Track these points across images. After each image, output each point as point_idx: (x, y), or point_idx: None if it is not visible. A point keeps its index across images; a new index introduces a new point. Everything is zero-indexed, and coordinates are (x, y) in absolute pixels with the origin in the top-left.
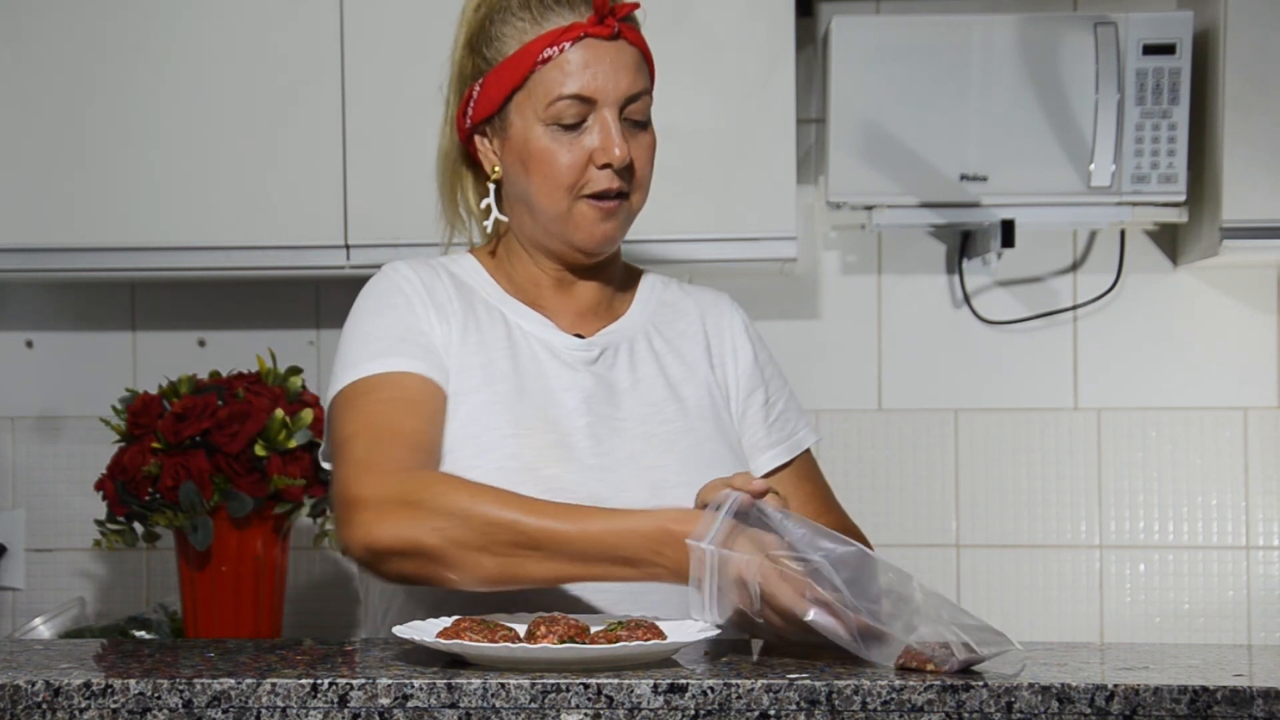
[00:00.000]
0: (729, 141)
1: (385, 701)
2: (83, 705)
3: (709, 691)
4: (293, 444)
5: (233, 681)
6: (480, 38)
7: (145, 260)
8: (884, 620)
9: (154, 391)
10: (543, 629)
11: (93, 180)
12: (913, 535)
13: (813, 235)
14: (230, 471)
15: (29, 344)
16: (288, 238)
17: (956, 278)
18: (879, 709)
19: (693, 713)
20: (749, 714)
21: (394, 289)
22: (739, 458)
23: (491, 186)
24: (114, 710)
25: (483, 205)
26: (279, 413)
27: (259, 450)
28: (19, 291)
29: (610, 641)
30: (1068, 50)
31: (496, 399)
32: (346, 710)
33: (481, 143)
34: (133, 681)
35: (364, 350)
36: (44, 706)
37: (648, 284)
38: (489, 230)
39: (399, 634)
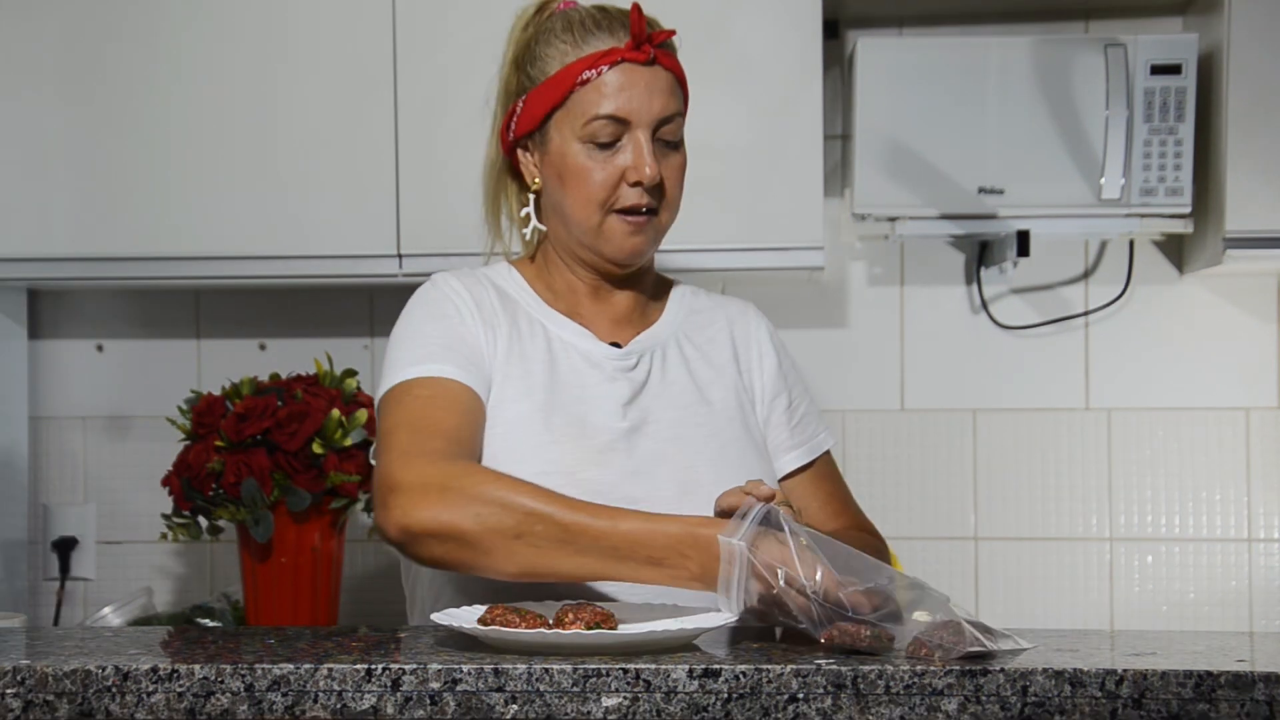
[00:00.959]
0: (760, 156)
1: (435, 685)
2: (150, 689)
3: (741, 676)
4: (348, 442)
5: (291, 666)
6: (526, 56)
7: (209, 269)
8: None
9: (217, 393)
10: (570, 616)
11: (160, 193)
12: (933, 529)
13: (839, 245)
14: (289, 468)
15: (99, 348)
16: (343, 248)
17: (975, 285)
18: (901, 692)
19: (725, 695)
20: (779, 697)
21: (443, 299)
22: (764, 458)
23: (531, 197)
24: (179, 694)
25: (523, 214)
26: (335, 413)
27: (316, 448)
28: (90, 299)
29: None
30: (1080, 70)
31: (537, 408)
32: (399, 694)
33: (523, 156)
34: (197, 666)
35: (410, 355)
36: (113, 690)
37: (678, 293)
38: (528, 239)
39: (437, 620)
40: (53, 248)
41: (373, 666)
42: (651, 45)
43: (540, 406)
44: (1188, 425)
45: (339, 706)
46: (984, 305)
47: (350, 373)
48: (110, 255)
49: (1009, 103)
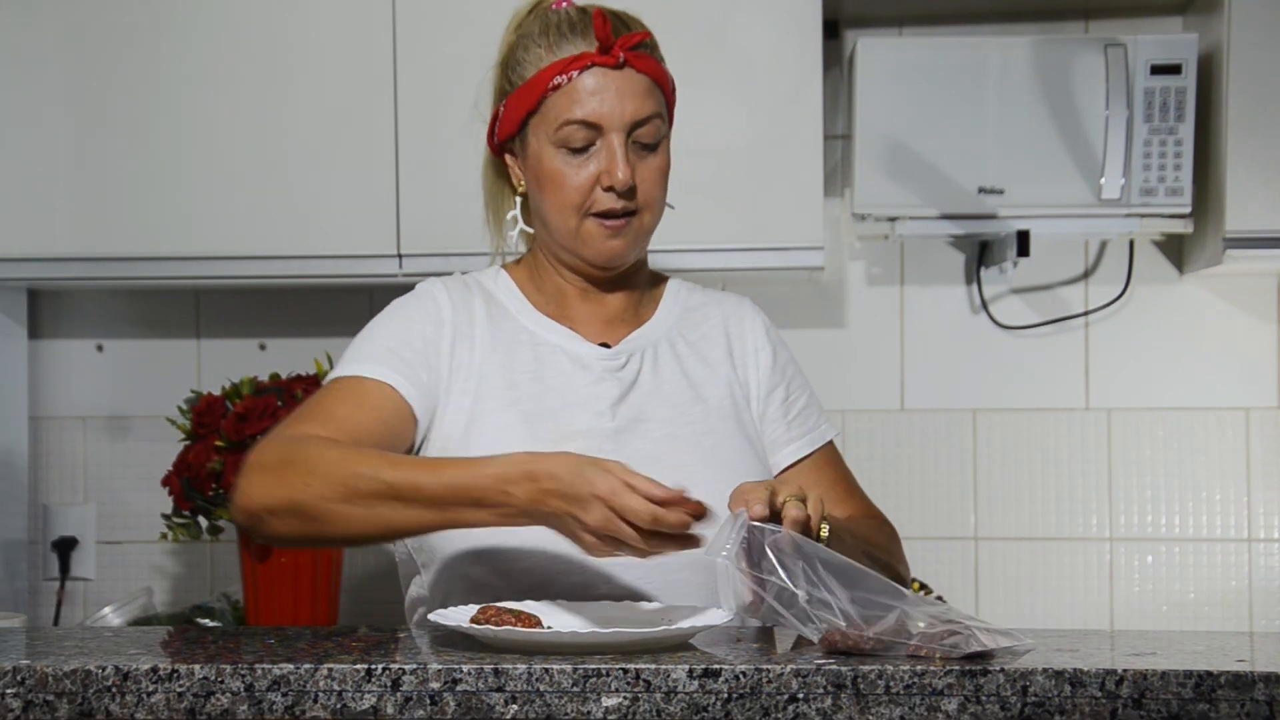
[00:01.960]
0: (760, 156)
1: (435, 686)
2: (150, 689)
3: (741, 676)
4: None
5: (291, 666)
6: (509, 59)
7: (209, 269)
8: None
9: (217, 393)
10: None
11: (160, 193)
12: (933, 529)
13: (839, 245)
14: None
15: (99, 348)
16: (343, 248)
17: (975, 285)
18: (901, 692)
19: (725, 696)
20: (779, 697)
21: (415, 306)
22: (759, 455)
23: (518, 200)
24: (179, 694)
25: (509, 217)
26: None
27: None
28: (90, 299)
29: None
30: (1080, 70)
31: (523, 416)
32: (399, 694)
33: (510, 159)
34: (197, 666)
35: (352, 354)
36: (113, 690)
37: (672, 290)
38: (514, 240)
39: (434, 619)
40: (53, 248)
41: (373, 666)
42: (622, 49)
43: (525, 414)
44: (1187, 425)
45: (339, 706)
46: (984, 305)
47: None
48: (110, 255)
49: (1009, 103)
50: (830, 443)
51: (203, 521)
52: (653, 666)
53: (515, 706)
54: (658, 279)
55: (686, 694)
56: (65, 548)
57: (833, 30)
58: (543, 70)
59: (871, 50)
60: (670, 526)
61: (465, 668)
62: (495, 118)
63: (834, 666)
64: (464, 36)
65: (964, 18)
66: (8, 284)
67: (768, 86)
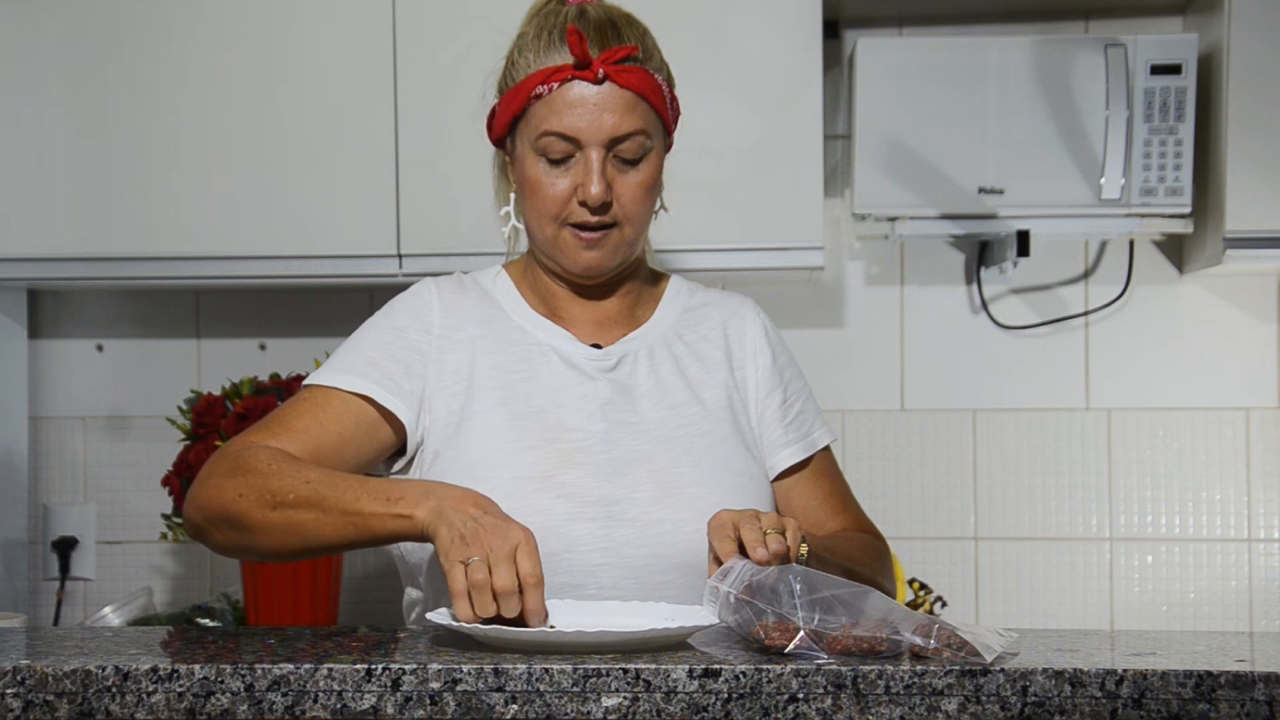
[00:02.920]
0: (760, 156)
1: (435, 685)
2: (150, 689)
3: (741, 676)
4: None
5: (291, 666)
6: (510, 57)
7: (209, 269)
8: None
9: (217, 393)
10: None
11: (160, 193)
12: (933, 529)
13: (839, 245)
14: None
15: (99, 348)
16: (343, 247)
17: (974, 285)
18: (901, 692)
19: (725, 695)
20: (779, 697)
21: (404, 310)
22: (755, 458)
23: (512, 196)
24: (179, 694)
25: (502, 213)
26: None
27: None
28: (90, 299)
29: None
30: (1080, 70)
31: (513, 415)
32: (399, 694)
33: (505, 156)
34: (197, 666)
35: (334, 361)
36: (113, 690)
37: (672, 290)
38: (506, 237)
39: (431, 619)
40: (53, 248)
41: (373, 666)
42: (604, 64)
43: (515, 413)
44: (1187, 425)
45: (339, 706)
46: (984, 305)
47: None
48: (110, 255)
49: (1009, 103)
50: (827, 450)
51: None
52: (653, 666)
53: (515, 706)
54: (659, 278)
55: (686, 694)
56: (65, 548)
57: (833, 30)
58: (529, 76)
59: (871, 50)
60: (529, 606)
61: (465, 668)
62: (492, 114)
63: (834, 666)
64: (464, 36)
65: (964, 18)
66: (8, 284)
67: (768, 86)
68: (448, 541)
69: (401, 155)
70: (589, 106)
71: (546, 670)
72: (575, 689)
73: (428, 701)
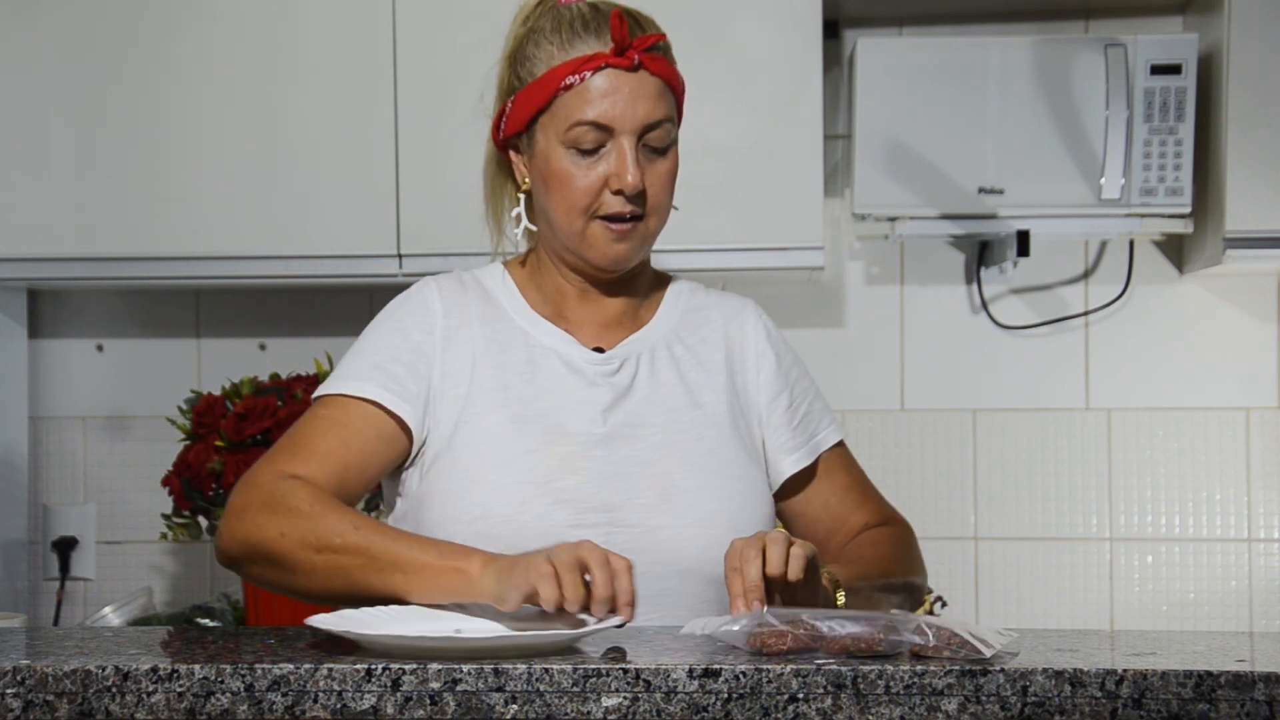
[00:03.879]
0: (760, 156)
1: (435, 685)
2: (150, 689)
3: (741, 676)
4: None
5: (291, 666)
6: (518, 55)
7: (209, 269)
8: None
9: (217, 393)
10: None
11: (160, 194)
12: (933, 529)
13: (838, 245)
14: None
15: (99, 348)
16: (343, 247)
17: (975, 285)
18: (901, 692)
19: (725, 695)
20: (779, 697)
21: (406, 311)
22: (755, 462)
23: (521, 198)
24: (179, 694)
25: (513, 214)
26: None
27: None
28: (90, 299)
29: None
30: (1080, 70)
31: (512, 418)
32: (399, 694)
33: (514, 156)
34: (197, 666)
35: (344, 368)
36: (113, 690)
37: (674, 292)
38: (519, 238)
39: (310, 624)
40: (53, 248)
41: (373, 666)
42: (637, 51)
43: (515, 416)
44: (1187, 425)
45: (339, 706)
46: (984, 305)
47: None
48: (110, 255)
49: (1009, 102)
50: (840, 445)
51: (203, 521)
52: (653, 666)
53: (515, 706)
54: (661, 279)
55: (686, 694)
56: (65, 548)
57: (833, 30)
58: (555, 69)
59: (871, 50)
60: (623, 587)
61: (465, 668)
62: (501, 113)
63: (834, 666)
64: (464, 36)
65: (964, 18)
66: (8, 284)
67: (768, 86)
68: (512, 563)
69: (401, 155)
70: (623, 94)
71: (546, 670)
72: (575, 689)
73: (428, 701)
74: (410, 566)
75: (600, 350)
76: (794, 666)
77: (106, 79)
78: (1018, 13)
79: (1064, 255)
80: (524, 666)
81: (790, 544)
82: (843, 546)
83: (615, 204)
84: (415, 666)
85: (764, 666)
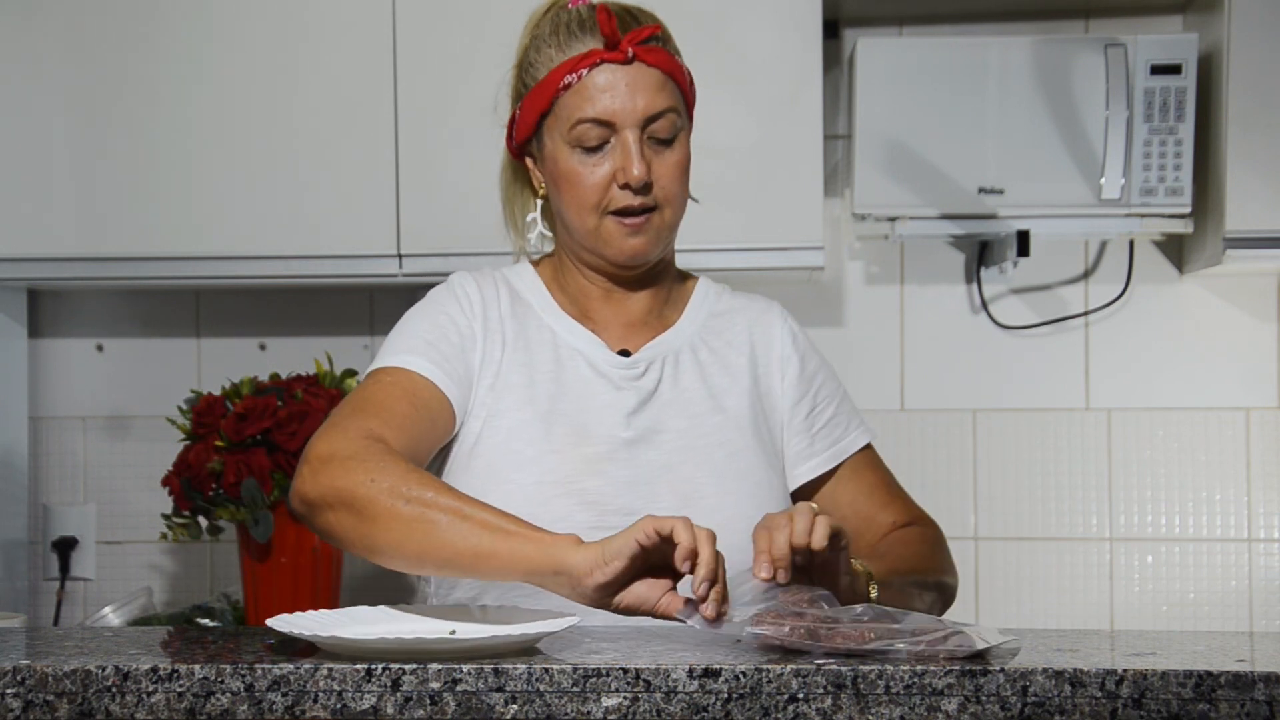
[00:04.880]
0: (760, 156)
1: (435, 685)
2: (150, 689)
3: (741, 676)
4: None
5: (291, 666)
6: (524, 61)
7: (209, 269)
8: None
9: (217, 393)
10: None
11: (160, 194)
12: None
13: (838, 245)
14: (289, 468)
15: (99, 348)
16: (344, 248)
17: (974, 285)
18: (901, 692)
19: (725, 695)
20: (779, 697)
21: (449, 298)
22: (775, 468)
23: (538, 203)
24: (179, 694)
25: (528, 219)
26: None
27: None
28: (90, 298)
29: None
30: (1080, 70)
31: (537, 417)
32: (399, 694)
33: (529, 161)
34: (197, 666)
35: (393, 345)
36: (113, 690)
37: (700, 293)
38: (534, 241)
39: (271, 625)
40: (53, 248)
41: (373, 666)
42: (630, 43)
43: (540, 415)
44: (1187, 425)
45: (339, 706)
46: (984, 305)
47: (350, 373)
48: (110, 255)
49: (1009, 103)
50: (867, 447)
51: (203, 521)
52: (653, 666)
53: (515, 706)
54: (686, 278)
55: (686, 694)
56: (65, 548)
57: (833, 30)
58: (554, 70)
59: (871, 50)
60: (708, 565)
61: (465, 667)
62: (512, 120)
63: (834, 666)
64: (464, 37)
65: (964, 18)
66: (8, 284)
67: (768, 86)
68: (609, 537)
69: (401, 155)
70: (620, 88)
71: (546, 670)
72: (575, 689)
73: (428, 701)
74: (501, 530)
75: (626, 353)
76: (794, 666)
77: (107, 80)
78: (1018, 13)
79: (1064, 255)
80: (524, 666)
81: (815, 514)
82: (873, 545)
83: (625, 198)
84: (415, 666)
85: (764, 666)
